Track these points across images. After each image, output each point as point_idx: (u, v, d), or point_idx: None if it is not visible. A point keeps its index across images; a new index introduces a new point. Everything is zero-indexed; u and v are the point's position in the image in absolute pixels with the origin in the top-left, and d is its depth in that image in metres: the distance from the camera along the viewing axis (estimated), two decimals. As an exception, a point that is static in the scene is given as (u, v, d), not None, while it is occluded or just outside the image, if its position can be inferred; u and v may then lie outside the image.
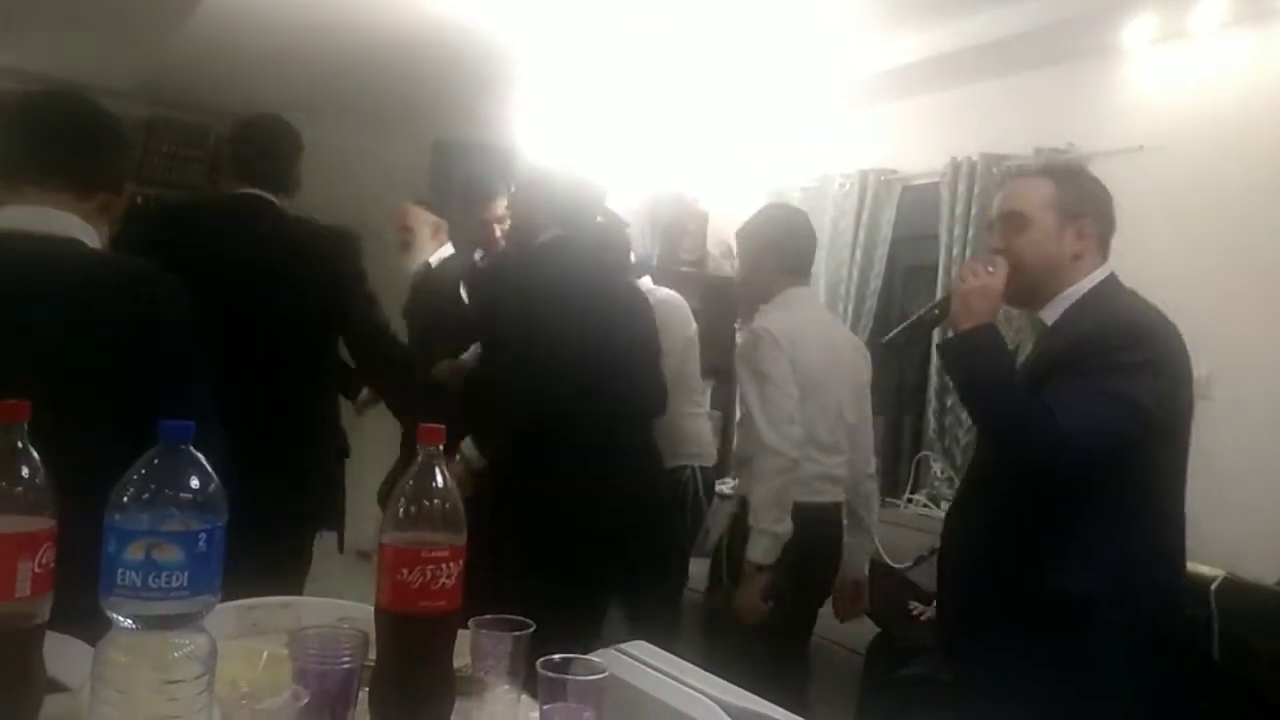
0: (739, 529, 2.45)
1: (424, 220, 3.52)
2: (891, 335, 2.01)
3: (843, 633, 3.20)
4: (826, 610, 3.38)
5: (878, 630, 3.06)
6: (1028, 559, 1.63)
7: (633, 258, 4.84)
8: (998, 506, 1.72)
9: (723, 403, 4.97)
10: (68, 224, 1.43)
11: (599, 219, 2.86)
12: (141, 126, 4.69)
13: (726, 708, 0.95)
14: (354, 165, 4.60)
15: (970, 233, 3.71)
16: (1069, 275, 1.75)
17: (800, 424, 2.35)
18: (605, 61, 4.02)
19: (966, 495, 1.88)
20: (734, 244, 4.87)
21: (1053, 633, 1.58)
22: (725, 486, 4.46)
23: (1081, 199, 1.78)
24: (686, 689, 0.98)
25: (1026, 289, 1.76)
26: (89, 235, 1.46)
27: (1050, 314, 1.76)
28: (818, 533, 2.46)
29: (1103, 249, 1.79)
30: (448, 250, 3.50)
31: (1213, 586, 1.49)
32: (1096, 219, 1.77)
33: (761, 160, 4.75)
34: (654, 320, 2.68)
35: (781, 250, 2.55)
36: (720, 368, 4.96)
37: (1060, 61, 3.54)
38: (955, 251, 3.77)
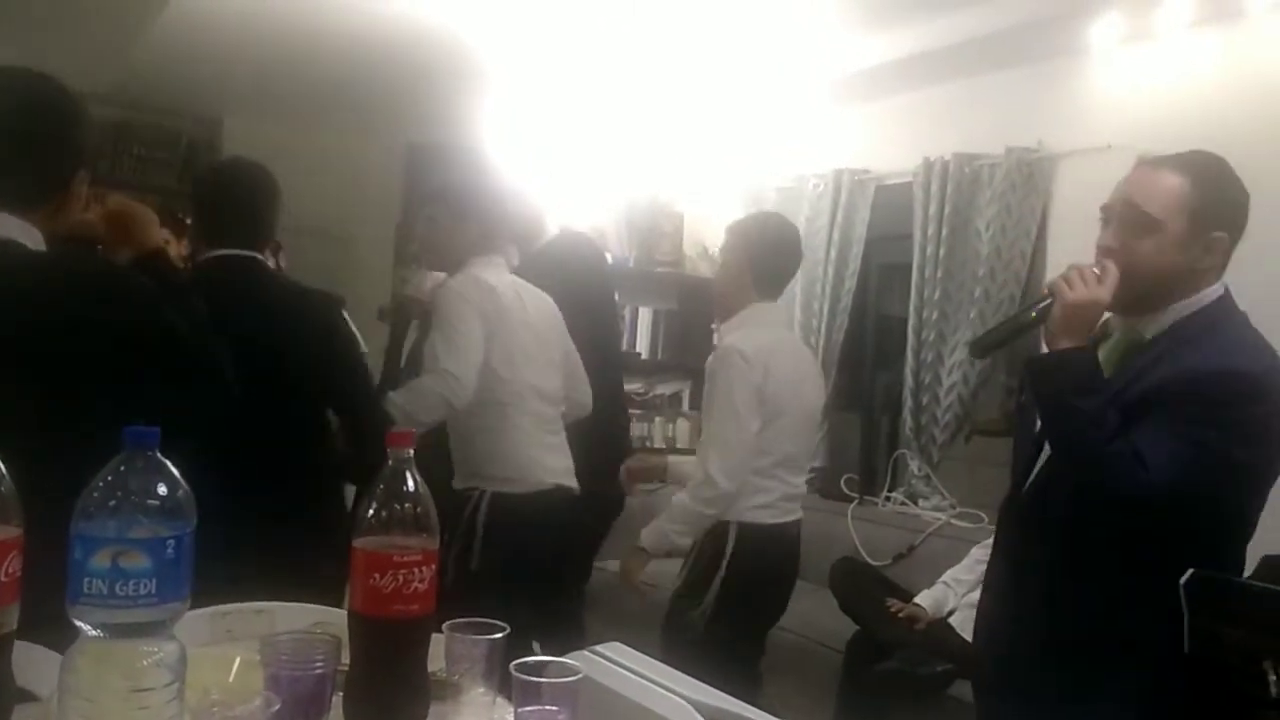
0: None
1: None
2: (981, 337, 1.87)
3: (822, 630, 3.23)
4: (809, 608, 3.41)
5: (857, 628, 3.08)
6: (1085, 601, 1.54)
7: (609, 259, 4.86)
8: (1059, 544, 1.58)
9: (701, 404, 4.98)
10: (6, 225, 1.41)
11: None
12: (111, 129, 4.64)
13: (700, 708, 0.96)
14: (326, 168, 4.57)
15: (944, 231, 3.75)
16: (1184, 288, 1.53)
17: (752, 453, 2.36)
18: (580, 63, 4.02)
19: (1019, 527, 1.71)
20: (708, 245, 4.94)
21: (1105, 674, 1.52)
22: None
23: (1221, 206, 1.54)
24: (661, 690, 0.98)
25: (1133, 298, 1.53)
26: (31, 237, 1.44)
27: (1151, 327, 1.55)
28: (779, 552, 2.49)
29: (1226, 263, 1.57)
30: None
31: (1182, 580, 1.50)
32: (1231, 231, 1.55)
33: (737, 161, 4.77)
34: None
35: (764, 264, 2.51)
36: (696, 369, 4.97)
37: (1030, 62, 3.58)
38: (929, 250, 3.80)
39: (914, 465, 3.85)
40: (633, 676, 1.01)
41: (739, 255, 2.54)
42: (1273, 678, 1.52)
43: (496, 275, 2.53)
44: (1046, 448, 1.62)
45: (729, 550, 2.36)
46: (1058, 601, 1.59)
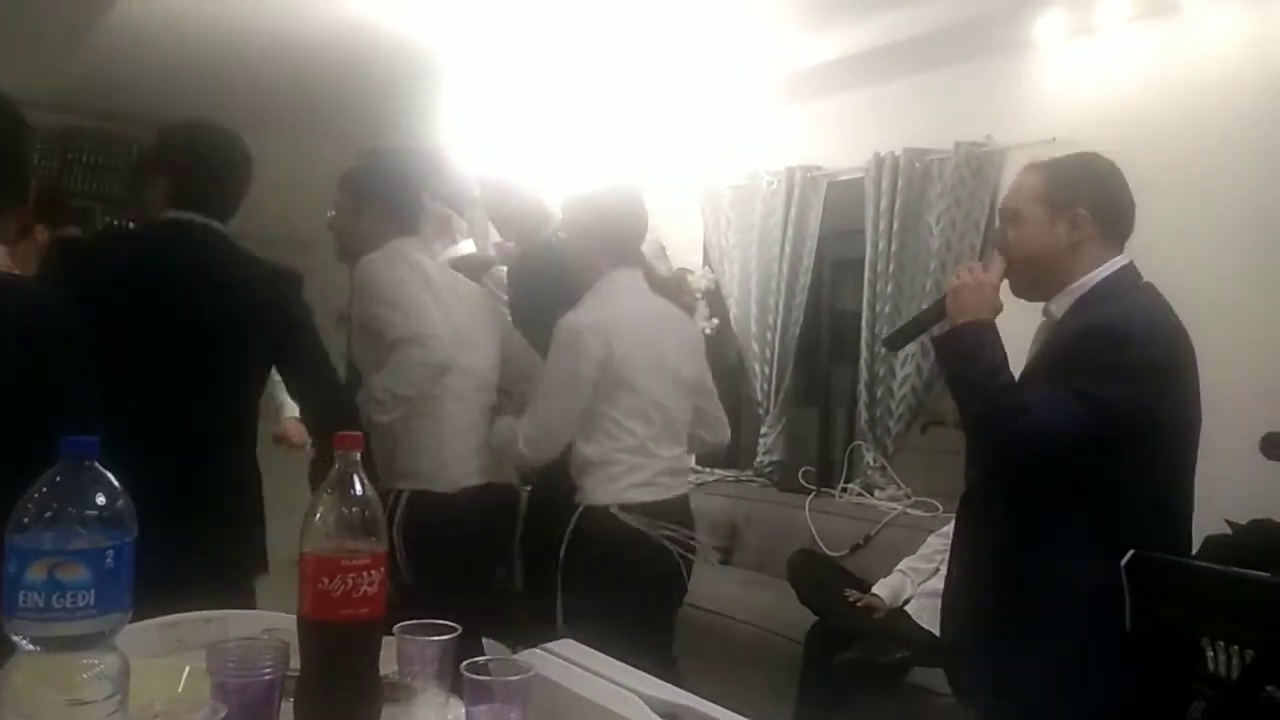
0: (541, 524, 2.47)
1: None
2: (891, 334, 2.05)
3: (783, 622, 3.26)
4: (768, 600, 3.44)
5: (815, 618, 3.11)
6: (1029, 552, 1.67)
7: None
8: (998, 506, 1.75)
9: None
10: None
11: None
12: (59, 136, 4.56)
13: (652, 703, 0.97)
14: (278, 173, 4.51)
15: (895, 226, 3.79)
16: (1072, 267, 1.73)
17: (569, 428, 2.29)
18: (533, 64, 4.01)
19: (969, 497, 1.87)
20: (664, 243, 4.95)
21: (1050, 621, 1.64)
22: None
23: (1072, 189, 1.74)
24: (613, 686, 0.99)
25: (1026, 282, 1.78)
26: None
27: (1058, 307, 1.75)
28: (660, 531, 2.33)
29: (1109, 238, 1.75)
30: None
31: (1123, 562, 1.55)
32: (1091, 208, 1.72)
33: (691, 160, 4.79)
34: None
35: (609, 233, 2.39)
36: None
37: (977, 57, 3.64)
38: (881, 245, 3.84)
39: (869, 457, 3.90)
40: (584, 672, 1.02)
41: (582, 222, 2.43)
42: (1210, 654, 1.57)
43: (417, 255, 2.47)
44: None
45: (606, 537, 2.25)
46: (1007, 557, 1.71)
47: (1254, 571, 1.55)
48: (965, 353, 1.72)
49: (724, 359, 4.82)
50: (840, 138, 4.11)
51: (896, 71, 3.84)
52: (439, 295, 2.42)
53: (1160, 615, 1.57)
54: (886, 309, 3.82)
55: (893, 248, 3.79)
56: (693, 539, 2.36)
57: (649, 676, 1.05)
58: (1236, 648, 1.56)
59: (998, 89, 3.64)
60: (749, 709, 1.02)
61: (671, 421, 2.38)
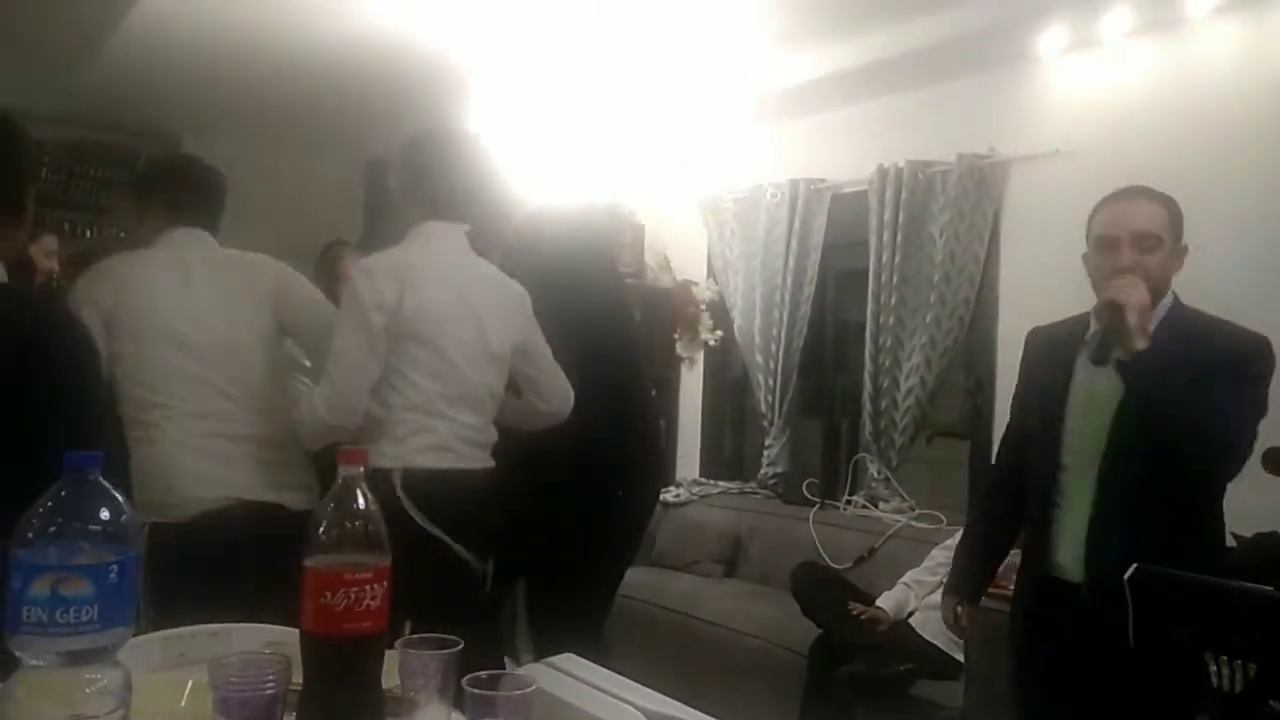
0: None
1: None
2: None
3: (786, 635, 3.25)
4: (772, 612, 3.43)
5: (819, 631, 3.10)
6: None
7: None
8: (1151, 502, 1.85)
9: (665, 412, 5.01)
10: None
11: None
12: (67, 149, 4.58)
13: (651, 715, 0.97)
14: (287, 182, 4.55)
15: (899, 237, 3.80)
16: (1165, 291, 1.92)
17: (367, 379, 2.04)
18: (538, 77, 4.03)
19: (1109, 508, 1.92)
20: (670, 255, 4.96)
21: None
22: (668, 494, 4.51)
23: (1181, 224, 1.93)
24: (612, 699, 0.99)
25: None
26: None
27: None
28: (461, 498, 2.09)
29: None
30: None
31: (1125, 576, 1.55)
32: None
33: (695, 172, 4.81)
34: None
35: (417, 179, 2.21)
36: (659, 379, 5.00)
37: (979, 70, 3.65)
38: (885, 257, 3.85)
39: (874, 469, 3.90)
40: (584, 686, 1.02)
41: (400, 173, 2.25)
42: (1213, 668, 1.57)
43: (155, 251, 2.23)
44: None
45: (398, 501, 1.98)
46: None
47: (1256, 585, 1.55)
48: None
49: (728, 370, 4.83)
50: (844, 150, 4.12)
51: (900, 84, 3.86)
52: (129, 294, 2.12)
53: (1164, 630, 1.56)
54: (890, 320, 3.83)
55: (896, 259, 3.80)
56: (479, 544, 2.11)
57: (649, 690, 1.05)
58: (1240, 662, 1.55)
59: (1000, 101, 3.66)
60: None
61: (471, 386, 2.13)
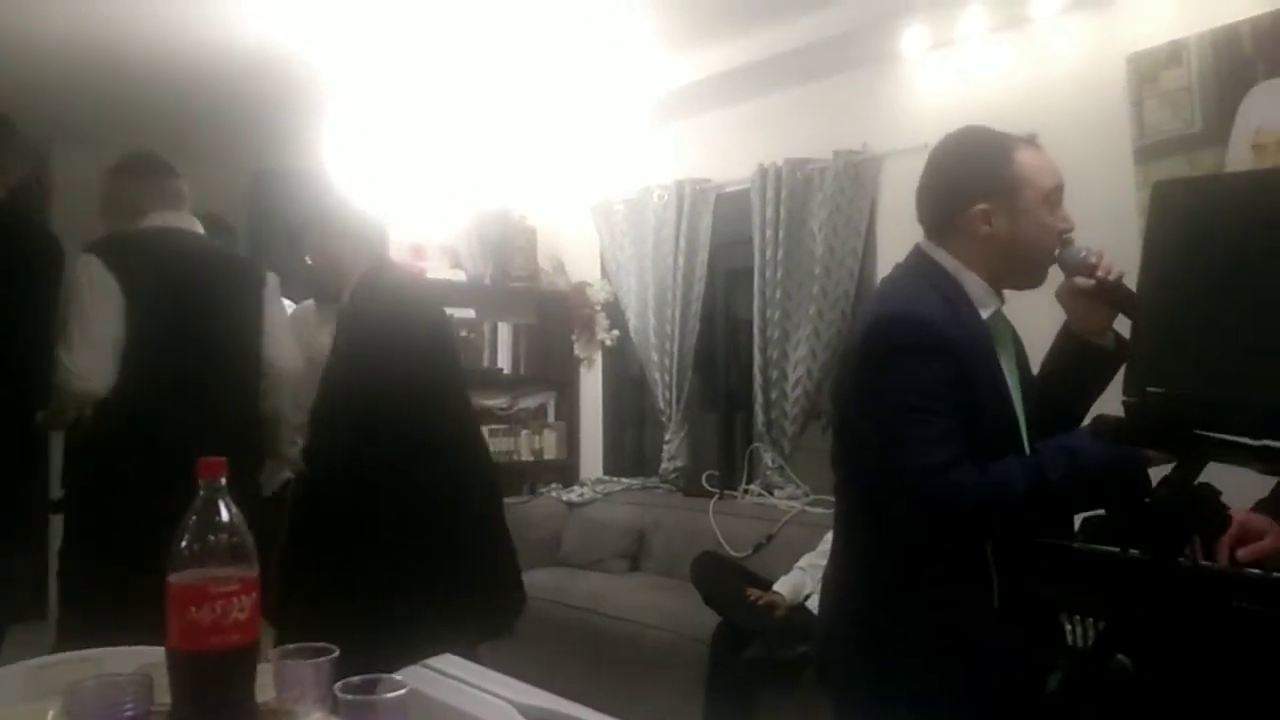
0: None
1: None
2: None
3: (691, 625, 3.31)
4: (674, 604, 3.49)
5: (720, 619, 3.17)
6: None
7: (464, 278, 4.84)
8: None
9: (566, 414, 5.05)
10: None
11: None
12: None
13: (524, 709, 1.00)
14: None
15: (781, 234, 3.91)
16: None
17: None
18: (420, 83, 4.01)
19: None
20: (563, 258, 4.99)
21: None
22: (571, 495, 4.54)
23: None
24: (485, 695, 1.02)
25: None
26: None
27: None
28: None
29: None
30: None
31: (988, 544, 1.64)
32: None
33: (584, 174, 4.85)
34: None
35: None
36: (560, 380, 5.03)
37: (851, 69, 3.78)
38: (769, 253, 3.95)
39: (768, 458, 4.00)
40: (459, 685, 1.04)
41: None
42: (1069, 627, 1.68)
43: None
44: None
45: None
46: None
47: (1102, 546, 1.66)
48: None
49: (627, 369, 4.89)
50: (727, 150, 4.21)
51: (775, 84, 3.96)
52: None
53: (1024, 592, 1.66)
54: (777, 315, 3.93)
55: (779, 255, 3.91)
56: None
57: (526, 686, 1.08)
58: (1090, 620, 1.67)
59: (870, 99, 3.79)
60: (661, 712, 1.05)
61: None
